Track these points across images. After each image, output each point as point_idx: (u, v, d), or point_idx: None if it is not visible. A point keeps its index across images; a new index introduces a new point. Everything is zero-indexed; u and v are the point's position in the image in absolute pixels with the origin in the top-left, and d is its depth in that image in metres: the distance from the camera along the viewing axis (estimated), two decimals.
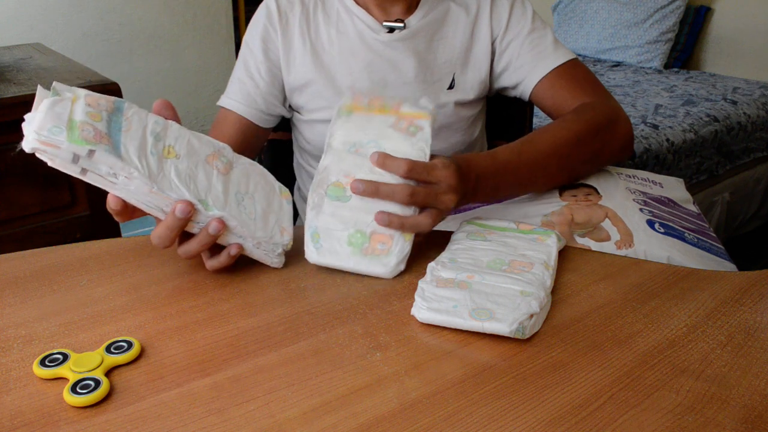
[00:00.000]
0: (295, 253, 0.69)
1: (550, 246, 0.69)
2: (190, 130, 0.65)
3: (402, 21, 0.95)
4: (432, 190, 0.68)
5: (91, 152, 0.55)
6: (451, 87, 0.97)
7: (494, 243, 0.69)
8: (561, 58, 0.95)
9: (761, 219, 2.48)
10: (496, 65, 0.99)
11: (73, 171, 0.57)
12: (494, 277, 0.62)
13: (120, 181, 0.58)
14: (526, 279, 0.62)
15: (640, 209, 0.84)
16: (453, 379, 0.52)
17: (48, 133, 0.54)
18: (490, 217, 0.86)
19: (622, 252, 0.77)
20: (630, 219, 0.81)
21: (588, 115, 0.88)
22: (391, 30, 0.96)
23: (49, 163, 0.56)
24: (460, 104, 0.98)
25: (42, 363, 0.51)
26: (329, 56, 0.96)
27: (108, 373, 0.51)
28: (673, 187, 0.94)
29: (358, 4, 0.96)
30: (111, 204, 0.60)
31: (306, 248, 0.66)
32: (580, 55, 2.97)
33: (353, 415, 0.47)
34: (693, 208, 0.91)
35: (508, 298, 0.58)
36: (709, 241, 0.84)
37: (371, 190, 0.66)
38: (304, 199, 1.10)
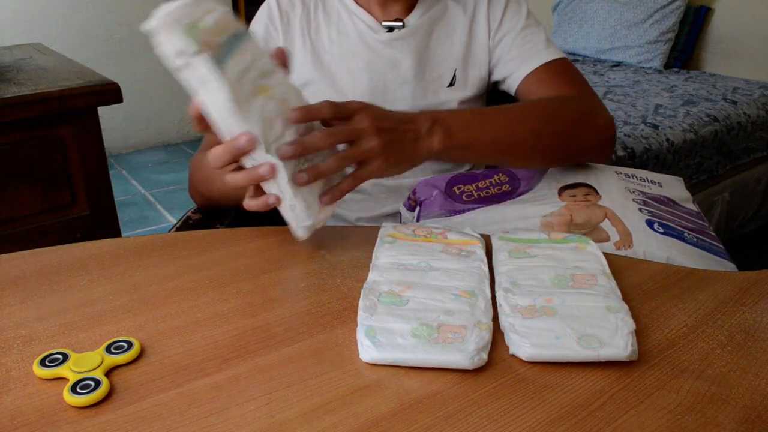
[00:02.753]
0: (294, 253, 0.69)
1: (595, 254, 0.68)
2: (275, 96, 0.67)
3: (401, 20, 0.96)
4: (350, 125, 0.67)
5: (197, 52, 0.59)
6: (451, 84, 0.98)
7: (541, 258, 0.67)
8: (551, 55, 0.95)
9: (761, 219, 2.48)
10: (490, 61, 0.99)
11: (173, 63, 0.60)
12: (571, 296, 0.60)
13: (209, 89, 0.60)
14: (599, 293, 0.60)
15: (640, 209, 0.84)
16: (453, 379, 0.52)
17: (173, 20, 0.58)
18: (490, 220, 0.86)
19: (622, 253, 0.77)
20: (629, 219, 0.81)
21: (565, 101, 0.88)
22: (391, 29, 0.96)
23: (157, 47, 0.59)
24: (462, 102, 0.98)
25: (42, 363, 0.51)
26: (329, 56, 0.96)
27: (108, 373, 0.51)
28: (673, 186, 0.94)
29: (358, 3, 0.96)
30: (194, 111, 0.63)
31: (360, 346, 0.54)
32: (579, 55, 2.97)
33: (353, 415, 0.47)
34: (693, 207, 0.91)
35: (600, 318, 0.57)
36: (708, 240, 0.84)
37: (298, 148, 0.64)
38: None
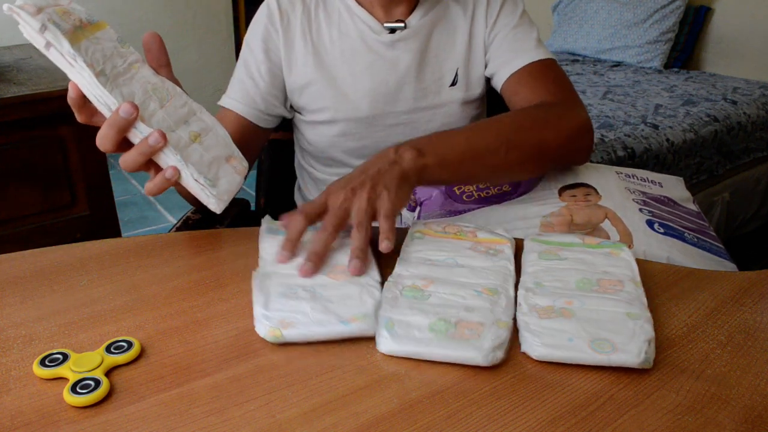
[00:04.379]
0: None
1: (628, 260, 0.67)
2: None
3: (402, 21, 0.96)
4: (341, 203, 0.67)
5: (58, 33, 0.60)
6: (453, 84, 0.98)
7: (571, 261, 0.66)
8: (538, 56, 0.94)
9: (761, 219, 2.48)
10: (486, 59, 0.99)
11: (38, 43, 0.61)
12: (592, 300, 0.59)
13: (77, 65, 0.61)
14: (623, 298, 0.60)
15: (640, 209, 0.84)
16: (453, 379, 0.52)
17: (32, 1, 0.60)
18: (490, 220, 0.86)
19: None
20: (629, 219, 0.81)
21: (537, 109, 0.87)
22: (392, 30, 0.96)
23: (21, 30, 0.60)
24: (464, 102, 0.98)
25: (42, 363, 0.51)
26: (331, 57, 0.96)
27: (108, 373, 0.51)
28: (673, 186, 0.94)
29: (360, 4, 0.96)
30: (70, 93, 0.63)
31: (378, 337, 0.55)
32: (579, 55, 2.97)
33: (353, 415, 0.48)
34: (693, 207, 0.91)
35: (618, 323, 0.56)
36: (709, 240, 0.84)
37: (314, 258, 0.64)
38: (306, 200, 1.10)
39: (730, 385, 0.52)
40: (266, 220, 0.74)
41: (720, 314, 0.61)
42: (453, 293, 0.60)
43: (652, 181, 0.93)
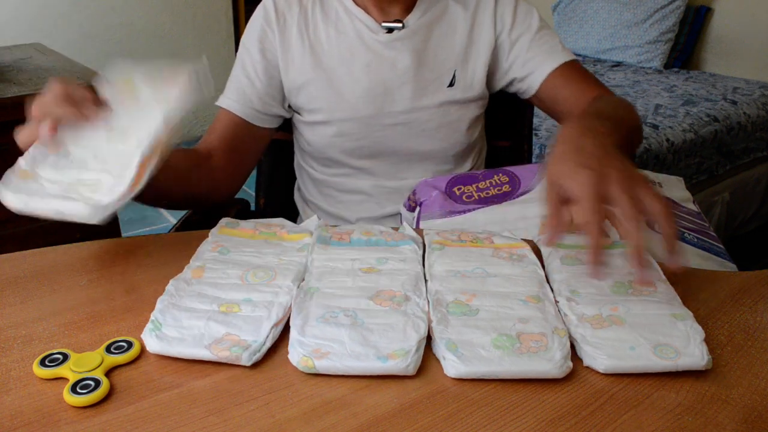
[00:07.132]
0: None
1: (648, 260, 0.66)
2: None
3: (400, 21, 0.95)
4: (583, 200, 0.60)
5: None
6: (451, 84, 0.98)
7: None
8: (569, 56, 0.98)
9: (761, 219, 2.48)
10: (503, 61, 0.99)
11: None
12: (635, 304, 0.59)
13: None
14: (662, 300, 0.60)
15: None
16: (453, 378, 0.52)
17: None
18: (490, 220, 0.86)
19: None
20: None
21: (617, 100, 0.92)
22: (390, 30, 0.96)
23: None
24: (462, 102, 0.98)
25: (42, 363, 0.51)
26: (328, 56, 0.96)
27: (108, 373, 0.51)
28: (673, 186, 0.94)
29: (357, 4, 0.96)
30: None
31: (443, 361, 0.53)
32: (579, 55, 2.97)
33: (353, 415, 0.48)
34: (693, 207, 0.91)
35: (669, 326, 0.56)
36: (709, 240, 0.84)
37: (597, 260, 0.55)
38: (305, 200, 1.10)
39: (730, 385, 0.52)
40: (318, 227, 0.70)
41: (720, 314, 0.61)
42: (500, 305, 0.59)
43: (651, 181, 0.93)
